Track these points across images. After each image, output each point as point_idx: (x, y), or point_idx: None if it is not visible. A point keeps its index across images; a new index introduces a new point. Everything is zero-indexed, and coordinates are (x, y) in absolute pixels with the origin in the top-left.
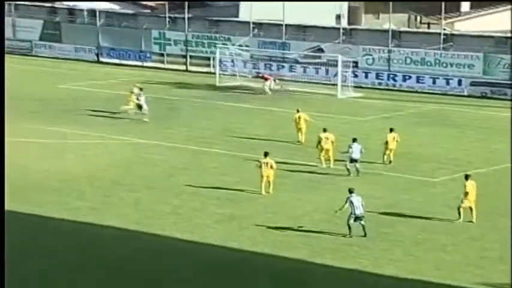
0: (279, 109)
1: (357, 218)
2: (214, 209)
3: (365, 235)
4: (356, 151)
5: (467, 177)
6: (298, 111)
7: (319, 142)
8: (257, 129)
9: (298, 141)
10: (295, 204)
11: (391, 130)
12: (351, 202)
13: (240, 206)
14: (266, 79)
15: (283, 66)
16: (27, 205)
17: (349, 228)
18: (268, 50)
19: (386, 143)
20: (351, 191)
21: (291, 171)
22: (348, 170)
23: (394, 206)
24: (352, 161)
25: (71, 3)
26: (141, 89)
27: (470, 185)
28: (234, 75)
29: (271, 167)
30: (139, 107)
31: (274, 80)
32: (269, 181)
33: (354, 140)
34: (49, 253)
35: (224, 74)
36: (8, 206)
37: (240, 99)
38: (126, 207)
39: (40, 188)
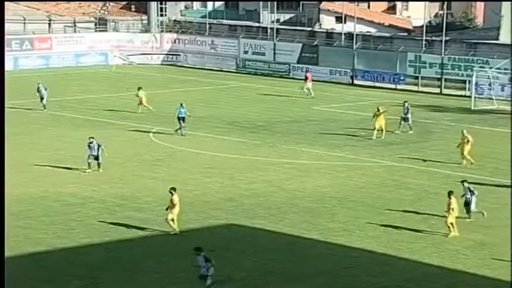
0: None
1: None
2: (465, 235)
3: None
4: None
5: None
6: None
7: None
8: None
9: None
10: None
11: None
12: None
13: (492, 232)
14: (306, 79)
15: None
16: (281, 225)
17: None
18: None
19: None
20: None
21: None
22: None
23: None
24: None
25: (328, 27)
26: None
27: None
28: (490, 98)
29: (452, 209)
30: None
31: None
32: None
33: None
34: (298, 275)
35: (480, 98)
36: (261, 225)
37: (496, 123)
38: (375, 229)
39: (293, 208)
